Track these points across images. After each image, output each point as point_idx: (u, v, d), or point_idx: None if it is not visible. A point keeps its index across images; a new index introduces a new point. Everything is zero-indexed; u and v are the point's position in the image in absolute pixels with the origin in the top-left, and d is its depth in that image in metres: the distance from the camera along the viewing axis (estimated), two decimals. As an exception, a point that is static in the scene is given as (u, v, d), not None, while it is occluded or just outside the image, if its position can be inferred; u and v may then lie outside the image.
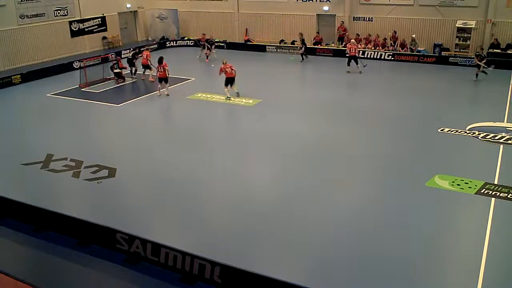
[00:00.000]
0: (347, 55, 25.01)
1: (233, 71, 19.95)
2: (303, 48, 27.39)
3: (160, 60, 20.46)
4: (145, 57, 23.35)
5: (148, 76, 23.49)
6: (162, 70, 20.39)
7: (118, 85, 23.03)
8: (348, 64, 24.55)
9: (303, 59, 27.52)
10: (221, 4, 33.65)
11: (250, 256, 9.51)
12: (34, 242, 10.17)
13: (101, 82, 23.67)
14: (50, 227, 10.44)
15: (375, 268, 9.05)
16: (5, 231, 10.61)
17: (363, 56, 27.72)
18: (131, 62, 24.30)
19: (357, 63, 24.44)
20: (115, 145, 16.08)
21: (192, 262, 8.64)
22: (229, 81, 20.05)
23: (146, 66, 23.35)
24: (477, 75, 22.34)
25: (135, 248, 9.30)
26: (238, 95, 20.28)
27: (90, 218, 10.15)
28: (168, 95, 20.86)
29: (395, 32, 28.05)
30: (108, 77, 23.80)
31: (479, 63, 22.17)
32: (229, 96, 20.11)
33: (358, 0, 29.34)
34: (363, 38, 28.72)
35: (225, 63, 20.05)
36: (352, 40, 26.11)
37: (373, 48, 28.11)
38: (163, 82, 20.68)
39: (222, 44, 32.26)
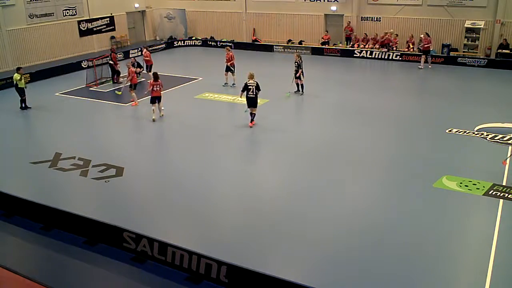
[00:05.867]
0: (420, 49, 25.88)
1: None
2: None
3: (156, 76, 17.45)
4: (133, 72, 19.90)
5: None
6: (158, 88, 17.40)
7: (123, 85, 22.07)
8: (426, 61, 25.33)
9: None
10: (229, 4, 33.69)
11: (257, 255, 9.51)
12: (42, 240, 10.23)
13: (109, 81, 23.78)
14: (58, 226, 10.51)
15: (384, 267, 9.03)
16: (13, 229, 10.70)
17: (370, 56, 27.71)
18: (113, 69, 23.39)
19: (426, 60, 25.16)
20: (122, 144, 16.15)
21: (199, 261, 8.66)
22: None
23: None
24: None
25: (142, 247, 9.35)
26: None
27: (97, 217, 10.22)
28: (158, 117, 17.95)
29: (412, 36, 27.27)
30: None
31: None
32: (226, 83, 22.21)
33: (366, 0, 29.27)
34: (371, 38, 28.58)
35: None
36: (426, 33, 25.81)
37: (378, 47, 27.91)
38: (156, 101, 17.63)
39: (230, 44, 32.32)
